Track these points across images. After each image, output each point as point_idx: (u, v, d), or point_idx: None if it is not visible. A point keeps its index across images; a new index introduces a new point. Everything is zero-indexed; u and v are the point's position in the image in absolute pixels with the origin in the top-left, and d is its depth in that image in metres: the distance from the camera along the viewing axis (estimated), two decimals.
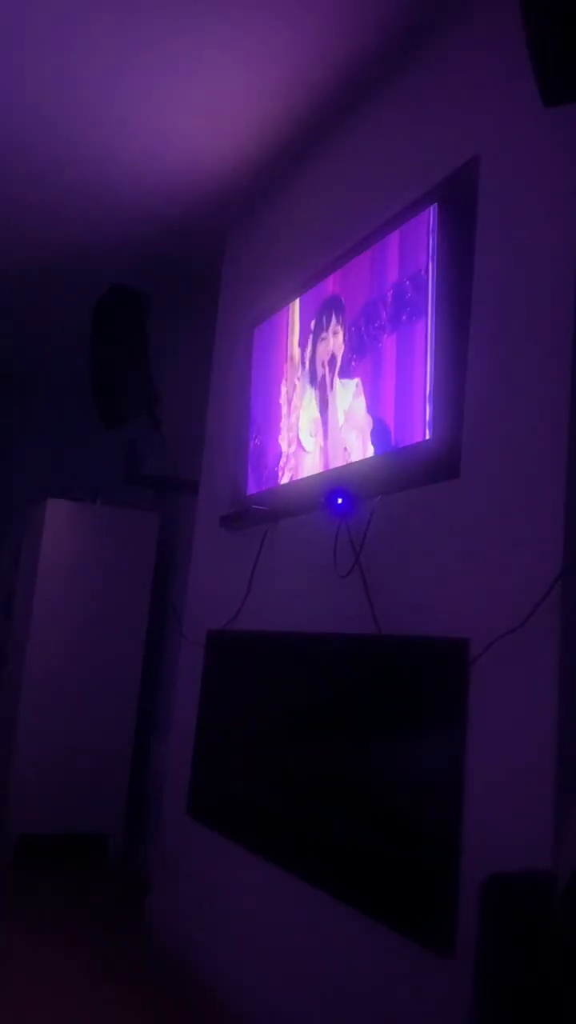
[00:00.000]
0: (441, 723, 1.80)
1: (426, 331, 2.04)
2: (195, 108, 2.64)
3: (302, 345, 2.63)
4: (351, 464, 2.31)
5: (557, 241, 1.71)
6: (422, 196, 2.15)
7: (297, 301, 2.69)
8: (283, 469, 2.68)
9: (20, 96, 2.63)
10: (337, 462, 2.37)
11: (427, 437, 2.01)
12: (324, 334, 2.51)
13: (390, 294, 2.21)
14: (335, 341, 2.45)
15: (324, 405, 2.47)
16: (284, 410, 2.70)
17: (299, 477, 2.57)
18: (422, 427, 2.02)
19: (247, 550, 2.73)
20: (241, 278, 3.25)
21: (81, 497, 4.00)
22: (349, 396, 2.35)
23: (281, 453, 2.70)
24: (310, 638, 2.35)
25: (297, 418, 2.61)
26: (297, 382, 2.63)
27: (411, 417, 2.07)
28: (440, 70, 2.20)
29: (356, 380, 2.33)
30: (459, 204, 2.02)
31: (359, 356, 2.32)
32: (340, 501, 2.23)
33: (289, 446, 2.65)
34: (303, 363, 2.61)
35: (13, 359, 4.99)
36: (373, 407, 2.24)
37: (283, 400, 2.72)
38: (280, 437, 2.71)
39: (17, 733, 3.71)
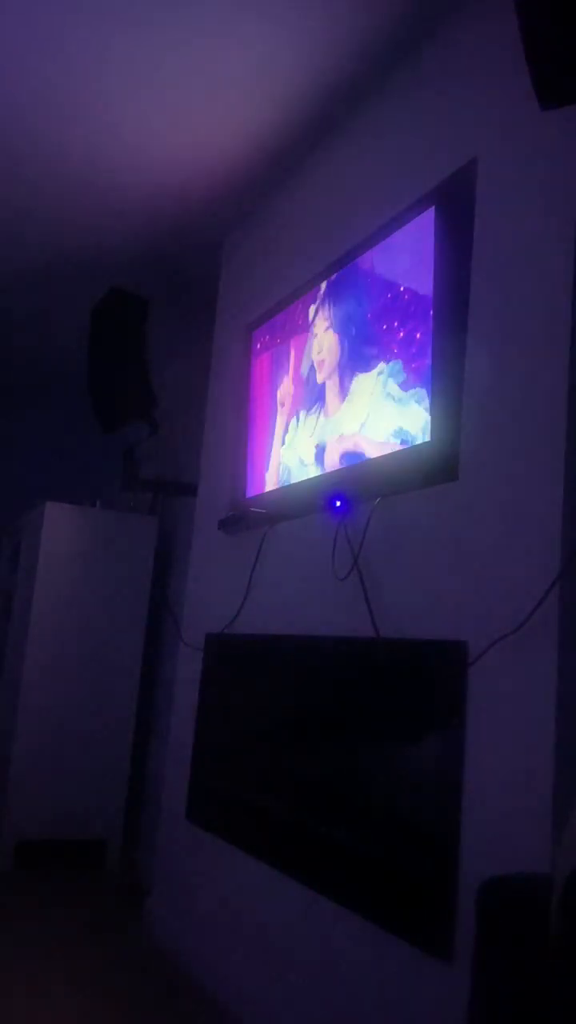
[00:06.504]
0: (439, 726, 1.80)
1: (424, 334, 2.04)
2: (192, 110, 2.64)
3: (298, 348, 2.63)
4: (349, 467, 2.31)
5: (555, 243, 1.71)
6: (420, 199, 2.15)
7: (295, 303, 2.69)
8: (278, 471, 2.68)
9: (15, 98, 2.64)
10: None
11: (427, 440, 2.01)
12: (321, 335, 2.51)
13: (388, 296, 2.21)
14: (331, 342, 2.45)
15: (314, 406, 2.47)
16: (281, 414, 2.70)
17: (296, 479, 2.57)
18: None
19: (245, 553, 2.73)
20: (239, 281, 3.25)
21: (80, 500, 3.99)
22: (337, 400, 2.35)
23: (275, 455, 2.70)
24: (308, 641, 2.34)
25: (293, 417, 2.61)
26: (293, 384, 2.64)
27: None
28: (438, 72, 2.21)
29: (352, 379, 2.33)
30: (457, 206, 2.02)
31: (355, 356, 2.32)
32: (338, 504, 2.23)
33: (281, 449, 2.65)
34: (300, 365, 2.61)
35: (12, 362, 5.00)
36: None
37: (280, 403, 2.72)
38: (276, 439, 2.71)
39: (15, 737, 3.70)
